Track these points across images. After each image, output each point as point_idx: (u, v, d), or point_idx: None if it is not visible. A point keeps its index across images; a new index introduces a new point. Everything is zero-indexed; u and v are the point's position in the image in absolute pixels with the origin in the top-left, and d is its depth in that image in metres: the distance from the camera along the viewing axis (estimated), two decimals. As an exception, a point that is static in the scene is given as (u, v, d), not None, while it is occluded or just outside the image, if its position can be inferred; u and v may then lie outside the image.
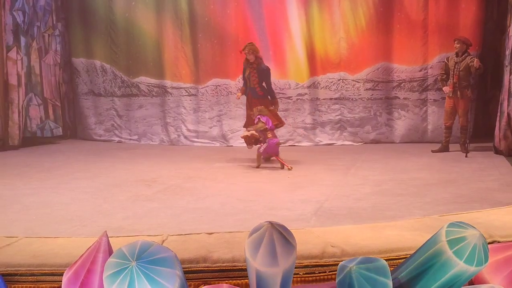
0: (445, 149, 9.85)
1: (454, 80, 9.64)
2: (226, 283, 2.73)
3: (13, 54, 11.28)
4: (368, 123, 11.44)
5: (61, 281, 2.62)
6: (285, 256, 2.32)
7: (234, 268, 2.90)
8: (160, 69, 12.12)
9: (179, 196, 6.91)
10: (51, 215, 5.97)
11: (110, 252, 2.50)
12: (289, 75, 11.57)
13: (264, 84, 9.48)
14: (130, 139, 12.28)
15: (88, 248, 2.54)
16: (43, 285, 2.94)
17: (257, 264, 2.34)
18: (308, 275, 2.87)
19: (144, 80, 12.24)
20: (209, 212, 6.04)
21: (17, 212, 6.12)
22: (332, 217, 5.70)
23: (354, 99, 11.43)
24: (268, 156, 8.92)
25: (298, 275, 2.83)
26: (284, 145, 11.29)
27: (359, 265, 2.29)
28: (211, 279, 2.88)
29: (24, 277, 2.95)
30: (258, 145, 8.85)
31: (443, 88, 10.00)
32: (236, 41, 11.46)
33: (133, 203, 6.56)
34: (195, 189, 7.32)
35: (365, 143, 11.36)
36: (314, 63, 11.44)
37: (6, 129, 11.23)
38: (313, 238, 3.24)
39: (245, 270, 2.67)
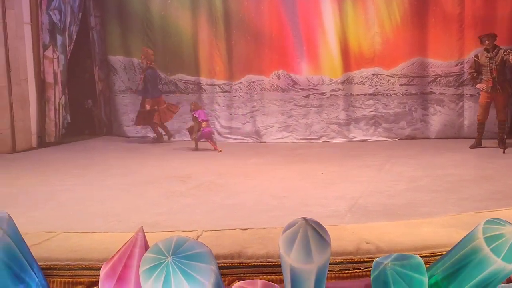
0: (478, 144, 9.68)
1: (493, 75, 9.44)
2: (260, 278, 2.73)
3: (49, 52, 11.49)
4: (403, 118, 11.31)
5: (99, 276, 2.66)
6: (319, 253, 2.31)
7: (268, 264, 2.91)
8: (195, 66, 12.20)
9: (213, 192, 6.96)
10: (87, 211, 6.08)
11: (146, 247, 2.53)
12: (322, 70, 11.51)
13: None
14: (165, 135, 12.38)
15: (125, 243, 2.57)
16: (81, 279, 2.99)
17: (291, 260, 2.34)
18: (342, 272, 2.86)
19: (181, 77, 12.34)
20: (243, 208, 6.06)
21: (55, 208, 6.25)
22: (367, 213, 5.66)
23: (388, 94, 11.32)
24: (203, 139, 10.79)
25: (333, 272, 2.82)
26: (318, 141, 11.26)
27: (394, 262, 2.27)
28: (245, 275, 2.89)
29: (62, 271, 3.01)
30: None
31: (478, 86, 9.79)
32: (270, 37, 11.46)
33: (168, 199, 6.62)
34: (228, 185, 7.35)
35: (400, 139, 11.24)
36: (348, 59, 11.36)
37: (43, 126, 11.46)
38: (347, 235, 3.22)
39: (279, 266, 2.67)
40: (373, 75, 11.31)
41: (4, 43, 10.35)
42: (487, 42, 9.51)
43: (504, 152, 9.00)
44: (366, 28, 11.21)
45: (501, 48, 9.48)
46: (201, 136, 10.73)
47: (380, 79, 11.30)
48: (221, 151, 10.32)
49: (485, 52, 9.55)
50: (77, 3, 11.97)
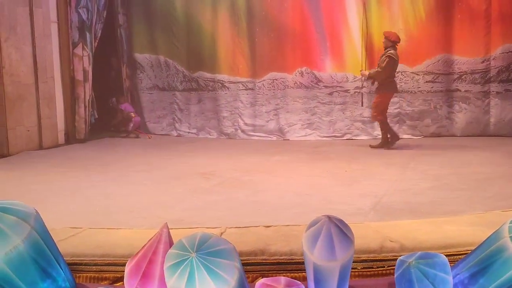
0: None
1: None
2: (284, 276, 2.74)
3: (79, 50, 11.62)
4: (428, 116, 11.22)
5: (124, 271, 2.69)
6: (342, 250, 2.31)
7: (292, 261, 2.91)
8: (217, 63, 12.24)
9: (236, 189, 6.98)
10: (112, 207, 6.14)
11: (170, 243, 2.55)
12: (346, 67, 11.47)
13: None
14: (189, 133, 12.47)
15: (150, 239, 2.60)
16: (106, 275, 3.02)
17: (314, 257, 2.35)
18: (366, 270, 2.85)
19: (202, 75, 12.40)
20: (266, 205, 6.07)
21: (81, 204, 6.32)
22: (391, 211, 5.63)
23: (413, 92, 11.23)
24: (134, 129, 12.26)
25: (356, 270, 2.82)
26: (341, 138, 11.22)
27: (418, 260, 2.27)
28: (268, 272, 2.90)
29: (88, 267, 3.05)
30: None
31: None
32: (293, 34, 11.45)
33: (192, 195, 6.66)
34: (252, 182, 7.37)
35: (424, 136, 11.15)
36: (372, 56, 11.29)
37: (73, 123, 11.61)
38: (371, 233, 3.21)
39: (303, 263, 2.68)
40: (398, 73, 11.22)
41: (31, 41, 10.50)
42: None
43: None
44: (391, 25, 11.12)
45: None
46: (134, 126, 12.14)
47: (405, 76, 11.22)
48: (150, 137, 11.91)
49: None
50: (103, 1, 12.09)
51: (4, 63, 9.89)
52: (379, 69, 9.63)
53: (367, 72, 9.93)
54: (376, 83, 9.85)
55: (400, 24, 11.06)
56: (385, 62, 9.49)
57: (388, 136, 9.90)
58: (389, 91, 9.79)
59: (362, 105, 10.56)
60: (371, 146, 9.94)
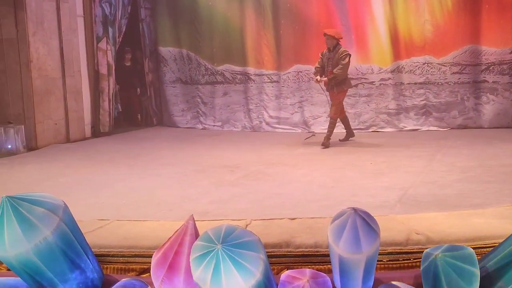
0: None
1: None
2: (309, 268, 2.74)
3: (103, 44, 11.74)
4: (455, 108, 11.08)
5: (150, 263, 2.72)
6: (368, 243, 2.31)
7: (317, 253, 2.91)
8: (243, 56, 12.24)
9: (261, 181, 6.99)
10: (139, 200, 6.20)
11: (196, 235, 2.57)
12: (371, 59, 11.38)
13: None
14: (214, 126, 12.51)
15: (176, 231, 2.62)
16: (133, 266, 3.06)
17: (340, 250, 2.35)
18: (392, 262, 2.84)
19: (228, 68, 12.41)
20: (291, 198, 6.07)
21: (108, 196, 6.40)
22: (417, 204, 5.59)
23: (440, 83, 11.10)
24: None
25: (382, 262, 2.81)
26: (367, 131, 11.15)
27: (444, 252, 2.25)
28: (293, 264, 2.90)
29: (115, 258, 3.09)
30: None
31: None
32: (318, 26, 11.39)
33: (217, 188, 6.69)
34: (277, 175, 7.37)
35: (451, 128, 11.02)
36: (397, 47, 11.19)
37: (97, 116, 11.74)
38: (397, 225, 3.20)
39: (328, 255, 2.67)
40: (424, 64, 11.11)
41: (58, 35, 10.63)
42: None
43: None
44: (417, 16, 11.00)
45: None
46: None
47: (431, 68, 11.09)
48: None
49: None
50: (126, -5, 12.19)
51: (32, 57, 10.04)
52: (341, 67, 9.25)
53: (325, 78, 9.45)
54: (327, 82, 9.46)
55: (426, 15, 10.93)
56: (347, 58, 9.26)
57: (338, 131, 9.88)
58: (348, 87, 9.66)
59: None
60: (340, 140, 9.90)
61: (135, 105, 13.43)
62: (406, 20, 11.07)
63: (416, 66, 11.15)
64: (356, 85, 11.37)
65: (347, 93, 10.01)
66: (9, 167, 8.54)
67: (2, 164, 8.77)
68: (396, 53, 11.22)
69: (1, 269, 3.08)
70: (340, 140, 9.83)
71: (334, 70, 9.27)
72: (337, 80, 9.33)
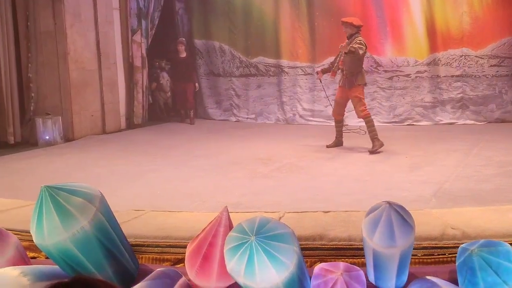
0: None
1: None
2: (342, 261, 2.74)
3: (137, 37, 11.86)
4: (493, 101, 10.87)
5: (185, 253, 2.74)
6: (403, 237, 2.29)
7: (351, 247, 2.90)
8: (277, 49, 12.22)
9: (294, 174, 6.99)
10: (173, 191, 6.26)
11: (230, 226, 2.59)
12: (407, 52, 11.23)
13: None
14: (247, 118, 12.53)
15: (210, 223, 2.64)
16: (168, 256, 3.10)
17: (374, 243, 2.33)
18: (426, 257, 2.81)
19: (262, 60, 12.40)
20: (324, 191, 6.05)
21: (143, 187, 6.48)
22: (453, 198, 5.52)
23: (477, 76, 10.89)
24: None
25: (417, 257, 2.78)
26: (402, 124, 11.03)
27: (481, 248, 2.22)
28: (327, 257, 2.90)
29: (150, 248, 3.13)
30: None
31: None
32: (353, 18, 11.28)
33: (250, 180, 6.71)
34: (310, 167, 7.36)
35: (489, 122, 10.81)
36: (434, 39, 11.01)
37: (132, 108, 11.88)
38: (432, 220, 3.16)
39: (362, 249, 2.66)
40: (461, 56, 10.91)
41: (94, 28, 10.77)
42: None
43: None
44: (454, 7, 10.80)
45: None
46: None
47: (468, 60, 10.89)
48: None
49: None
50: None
51: (69, 50, 10.20)
52: (357, 46, 8.25)
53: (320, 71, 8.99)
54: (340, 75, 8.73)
55: (464, 6, 10.72)
56: (363, 55, 8.37)
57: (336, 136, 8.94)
58: (361, 82, 8.52)
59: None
60: (371, 152, 8.28)
61: (188, 101, 12.30)
62: (443, 11, 10.87)
63: (453, 58, 10.96)
64: (391, 78, 11.25)
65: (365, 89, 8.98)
66: (47, 157, 8.71)
67: (41, 155, 8.95)
68: (433, 46, 11.04)
69: (40, 257, 3.15)
70: (327, 147, 8.79)
71: (350, 46, 8.26)
72: (351, 53, 8.26)
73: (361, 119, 8.71)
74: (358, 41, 8.33)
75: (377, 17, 11.12)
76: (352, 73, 8.43)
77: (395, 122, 11.18)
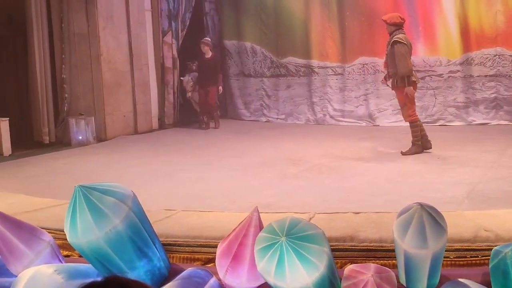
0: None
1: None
2: (373, 262, 2.73)
3: (168, 38, 11.97)
4: (527, 101, 10.66)
5: (215, 253, 2.77)
6: (435, 238, 2.27)
7: (382, 248, 2.89)
8: (307, 49, 12.19)
9: (324, 175, 6.96)
10: (204, 190, 6.30)
11: (260, 227, 2.60)
12: (440, 51, 11.09)
13: None
14: (277, 118, 12.53)
15: (240, 223, 2.66)
16: (199, 256, 3.12)
17: (405, 245, 2.32)
18: (459, 259, 2.79)
19: (292, 61, 12.39)
20: (355, 192, 6.02)
21: (173, 187, 6.53)
22: (486, 200, 5.43)
23: (511, 76, 10.70)
24: None
25: (449, 259, 2.76)
26: (434, 124, 10.90)
27: (515, 251, 2.18)
28: (357, 258, 2.89)
29: (181, 248, 3.16)
30: None
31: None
32: (384, 18, 11.20)
33: (281, 180, 6.71)
34: (340, 168, 7.32)
35: (523, 123, 10.61)
36: (467, 39, 10.85)
37: (163, 109, 11.99)
38: (465, 221, 3.13)
39: (393, 251, 2.65)
40: (495, 56, 10.73)
41: (127, 30, 10.90)
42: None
43: None
44: (488, 6, 10.62)
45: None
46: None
47: (503, 60, 10.69)
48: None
49: None
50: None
51: (102, 51, 10.34)
52: (397, 61, 7.76)
53: (409, 87, 7.86)
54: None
55: (498, 5, 10.53)
56: (395, 52, 7.77)
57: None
58: (403, 84, 7.88)
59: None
60: (403, 153, 7.98)
61: (208, 105, 11.70)
62: (476, 10, 10.70)
63: (487, 58, 10.78)
64: (423, 78, 11.12)
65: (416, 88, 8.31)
66: (80, 157, 8.85)
67: (74, 155, 9.10)
68: (466, 45, 10.88)
69: (74, 256, 3.20)
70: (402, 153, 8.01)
71: (399, 72, 7.78)
72: (399, 76, 7.81)
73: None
74: (392, 39, 7.93)
75: (409, 17, 11.00)
76: (395, 74, 7.94)
77: (427, 122, 11.03)
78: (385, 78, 8.41)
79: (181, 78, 12.03)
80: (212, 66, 11.49)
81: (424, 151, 7.98)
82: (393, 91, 8.37)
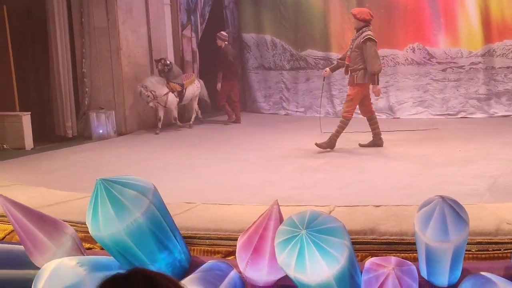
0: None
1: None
2: (394, 255, 2.72)
3: (187, 32, 11.99)
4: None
5: (235, 246, 2.78)
6: (456, 231, 2.25)
7: (402, 241, 2.88)
8: (326, 41, 12.13)
9: (344, 168, 6.94)
10: (223, 184, 6.32)
11: (281, 220, 2.60)
12: (461, 43, 10.96)
13: None
14: (296, 111, 12.50)
15: (260, 216, 2.66)
16: (219, 249, 3.14)
17: (427, 238, 2.31)
18: (481, 252, 2.76)
19: (311, 53, 12.34)
20: (375, 185, 5.99)
21: (193, 180, 6.56)
22: (508, 193, 5.37)
23: (535, 69, 10.56)
24: None
25: (470, 252, 2.74)
26: (455, 117, 10.80)
27: (538, 244, 2.16)
28: (378, 251, 2.88)
29: (202, 240, 3.18)
30: None
31: None
32: (404, 10, 11.11)
33: (300, 174, 6.70)
34: (360, 161, 7.29)
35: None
36: (489, 30, 10.70)
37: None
38: (487, 214, 3.10)
39: (414, 244, 2.63)
40: (518, 49, 10.58)
41: (146, 23, 10.94)
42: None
43: None
44: (510, -3, 10.48)
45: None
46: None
47: (527, 53, 10.55)
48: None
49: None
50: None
51: (121, 45, 10.39)
52: (371, 60, 7.73)
53: (377, 86, 7.88)
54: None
55: (521, -4, 10.39)
56: (368, 48, 7.73)
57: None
58: (368, 81, 7.92)
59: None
60: (360, 145, 8.12)
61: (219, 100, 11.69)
62: (498, 1, 10.55)
63: (509, 49, 10.63)
64: (444, 70, 11.01)
65: (369, 89, 8.18)
66: (101, 151, 8.92)
67: (95, 148, 9.18)
68: (487, 36, 10.74)
69: (95, 248, 3.24)
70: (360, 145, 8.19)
71: (370, 70, 7.72)
72: (370, 73, 7.75)
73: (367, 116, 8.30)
74: (365, 37, 7.83)
75: (430, 8, 10.90)
76: (355, 69, 7.88)
77: (449, 114, 10.95)
78: (331, 70, 8.72)
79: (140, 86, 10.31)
80: (218, 60, 11.47)
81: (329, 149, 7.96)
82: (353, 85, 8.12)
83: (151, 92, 10.20)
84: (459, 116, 10.86)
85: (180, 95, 10.77)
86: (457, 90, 11.01)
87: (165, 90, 10.50)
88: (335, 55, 12.01)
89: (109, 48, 10.40)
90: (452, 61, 10.92)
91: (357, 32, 8.07)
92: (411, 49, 11.29)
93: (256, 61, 13.10)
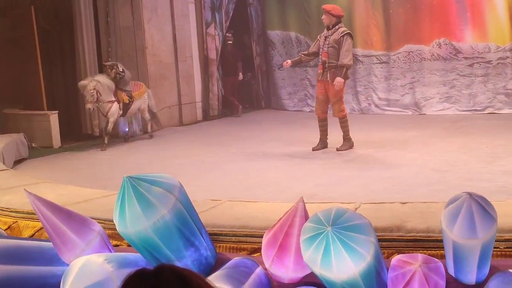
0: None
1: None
2: (420, 253, 2.69)
3: (211, 30, 12.02)
4: None
5: (261, 243, 2.78)
6: (484, 228, 2.23)
7: (429, 238, 2.85)
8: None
9: (370, 165, 6.90)
10: (249, 181, 6.33)
11: (306, 217, 2.60)
12: (489, 37, 10.80)
13: None
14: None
15: (286, 213, 2.66)
16: (245, 246, 3.15)
17: (454, 235, 2.28)
18: (509, 250, 2.73)
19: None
20: (401, 181, 5.95)
21: (219, 177, 6.59)
22: (537, 189, 5.29)
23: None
24: None
25: (499, 249, 2.70)
26: (482, 112, 10.66)
27: None
28: (404, 249, 2.86)
29: (227, 237, 3.19)
30: None
31: None
32: (430, 4, 10.99)
33: (326, 171, 6.69)
34: (386, 158, 7.25)
35: None
36: (516, 24, 10.54)
37: (207, 100, 12.08)
38: (515, 211, 3.06)
39: (441, 241, 2.61)
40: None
41: (171, 22, 11.00)
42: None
43: None
44: (539, -10, 10.30)
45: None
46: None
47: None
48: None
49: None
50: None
51: (147, 44, 10.47)
52: (346, 54, 7.77)
53: (341, 79, 7.80)
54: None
55: (549, -12, 10.20)
56: (347, 43, 7.75)
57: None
58: (345, 78, 7.92)
59: None
60: (338, 149, 7.92)
61: (232, 92, 12.53)
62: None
63: (538, 43, 10.46)
64: (471, 65, 10.87)
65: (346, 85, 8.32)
66: (127, 149, 9.01)
67: (122, 146, 9.27)
68: (515, 31, 10.58)
69: (122, 245, 3.27)
70: (313, 149, 8.04)
71: (343, 61, 7.74)
72: (342, 67, 7.78)
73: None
74: (343, 32, 7.83)
75: (457, 3, 10.77)
76: (336, 66, 7.83)
77: (476, 110, 10.81)
78: (292, 63, 8.91)
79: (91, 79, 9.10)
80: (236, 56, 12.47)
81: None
82: (324, 84, 8.11)
83: (97, 93, 8.81)
84: (486, 111, 10.72)
85: (126, 107, 9.41)
86: (485, 86, 10.86)
87: (112, 97, 9.12)
88: (360, 51, 11.95)
89: (135, 47, 10.49)
90: (480, 56, 10.77)
91: (330, 28, 7.99)
92: (437, 45, 11.16)
93: (281, 58, 13.07)
